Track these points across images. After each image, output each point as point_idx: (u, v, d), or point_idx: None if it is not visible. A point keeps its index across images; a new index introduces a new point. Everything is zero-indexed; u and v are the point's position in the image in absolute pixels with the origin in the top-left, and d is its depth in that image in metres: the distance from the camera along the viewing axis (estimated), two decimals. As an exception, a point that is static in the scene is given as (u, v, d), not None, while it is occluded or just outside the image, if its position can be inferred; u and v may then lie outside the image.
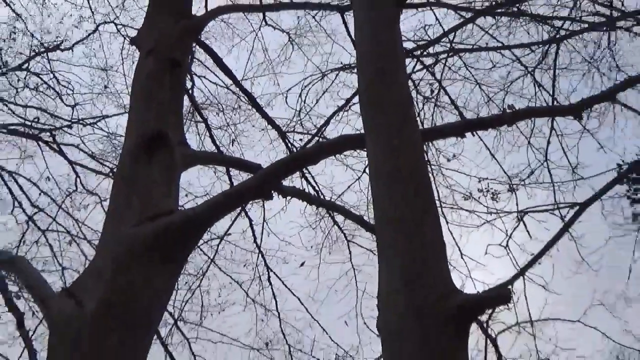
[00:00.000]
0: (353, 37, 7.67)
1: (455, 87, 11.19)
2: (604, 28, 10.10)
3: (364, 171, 10.48)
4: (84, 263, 10.64)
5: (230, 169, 9.72)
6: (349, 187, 10.76)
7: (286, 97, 11.45)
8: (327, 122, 10.83)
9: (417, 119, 5.56)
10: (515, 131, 10.40)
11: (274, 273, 10.54)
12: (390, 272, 3.63)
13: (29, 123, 11.78)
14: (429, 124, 10.45)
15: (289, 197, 7.17)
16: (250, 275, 10.67)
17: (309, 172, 10.16)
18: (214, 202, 5.16)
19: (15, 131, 11.63)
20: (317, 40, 11.76)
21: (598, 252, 9.73)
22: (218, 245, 10.61)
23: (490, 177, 10.56)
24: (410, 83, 9.10)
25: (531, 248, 9.44)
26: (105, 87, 12.66)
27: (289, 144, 10.62)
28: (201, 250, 10.52)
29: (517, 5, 10.30)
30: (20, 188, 11.45)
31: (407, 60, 9.41)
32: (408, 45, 10.32)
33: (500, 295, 3.51)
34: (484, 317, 8.35)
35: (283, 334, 10.49)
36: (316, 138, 10.65)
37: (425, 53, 10.71)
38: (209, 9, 8.26)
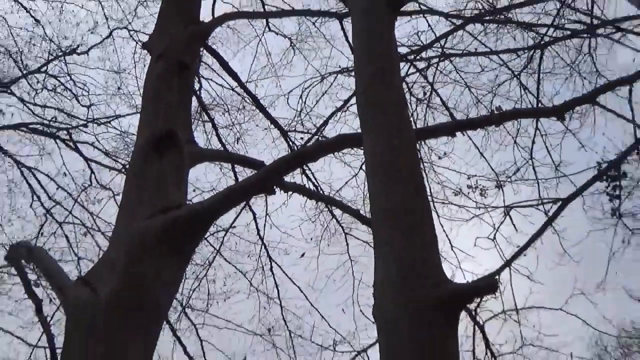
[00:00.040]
0: (351, 42, 7.67)
1: (446, 90, 11.19)
2: (585, 35, 10.10)
3: (361, 168, 10.47)
4: (98, 253, 10.64)
5: (235, 165, 9.71)
6: (346, 183, 10.77)
7: (288, 99, 11.44)
8: (326, 122, 10.83)
9: (411, 119, 5.55)
10: (502, 131, 10.41)
11: (276, 263, 10.56)
12: (386, 263, 3.63)
13: (47, 122, 11.79)
14: (422, 124, 10.45)
15: (290, 192, 7.17)
16: (254, 266, 10.69)
17: (309, 169, 10.16)
18: (220, 197, 5.16)
19: (34, 130, 11.65)
20: (317, 45, 11.76)
21: (579, 245, 9.74)
22: (223, 237, 10.62)
23: (479, 174, 10.57)
24: (404, 85, 9.09)
25: (517, 241, 9.46)
26: (119, 88, 12.67)
27: (290, 143, 10.62)
28: (208, 241, 10.53)
29: (504, 13, 10.29)
30: (39, 183, 11.48)
31: (401, 64, 9.39)
32: (402, 50, 10.31)
33: (488, 284, 3.52)
34: (472, 305, 8.35)
35: (284, 320, 10.50)
36: (316, 137, 10.64)
37: (418, 57, 10.70)
38: (215, 16, 8.25)
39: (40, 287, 8.34)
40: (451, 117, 10.41)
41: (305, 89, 11.25)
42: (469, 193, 10.54)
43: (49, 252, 5.84)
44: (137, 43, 12.16)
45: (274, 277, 10.56)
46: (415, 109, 10.75)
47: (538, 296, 9.51)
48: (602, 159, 9.18)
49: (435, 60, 10.70)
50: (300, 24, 11.72)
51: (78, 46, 12.33)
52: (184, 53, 6.49)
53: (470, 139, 10.27)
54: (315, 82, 11.28)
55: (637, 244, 9.63)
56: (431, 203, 7.41)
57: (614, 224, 9.40)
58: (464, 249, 9.95)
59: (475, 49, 10.70)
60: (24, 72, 11.95)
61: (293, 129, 10.99)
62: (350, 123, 10.83)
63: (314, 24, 11.49)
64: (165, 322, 7.32)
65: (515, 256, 9.15)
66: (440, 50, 10.63)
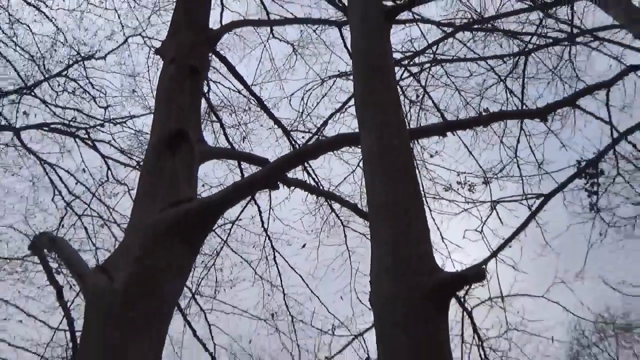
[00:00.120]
0: (349, 48, 7.65)
1: (437, 93, 11.20)
2: (566, 43, 10.10)
3: (358, 165, 10.48)
4: (114, 244, 10.64)
5: (242, 162, 9.70)
6: (344, 179, 10.77)
7: (290, 100, 11.44)
8: (325, 123, 10.82)
9: (405, 119, 5.54)
10: (490, 131, 10.42)
11: (279, 253, 10.55)
12: (382, 253, 3.62)
13: (67, 122, 11.77)
14: (415, 125, 10.44)
15: (292, 188, 7.16)
16: (258, 255, 10.68)
17: (310, 166, 10.15)
18: (228, 191, 5.14)
19: (55, 129, 11.63)
20: (318, 51, 11.74)
21: (560, 237, 9.77)
22: (230, 229, 10.60)
23: (468, 171, 10.57)
24: (398, 88, 9.09)
25: (502, 233, 9.47)
26: (133, 91, 12.65)
27: (293, 141, 10.61)
28: (216, 233, 10.51)
29: (491, 22, 10.28)
30: (60, 178, 11.46)
31: (396, 69, 9.38)
32: (397, 55, 10.31)
33: (476, 273, 3.51)
34: (461, 293, 8.36)
35: (287, 306, 10.49)
36: (316, 136, 10.64)
37: (411, 63, 10.70)
38: (223, 24, 8.23)
39: (61, 274, 8.33)
40: (442, 118, 10.42)
41: (307, 91, 11.28)
42: (458, 189, 10.56)
43: (69, 242, 5.83)
44: (150, 49, 12.15)
45: (277, 266, 10.56)
46: (409, 111, 10.76)
47: (522, 284, 9.52)
48: (581, 157, 9.18)
49: (428, 65, 10.71)
50: (302, 31, 11.73)
51: (96, 52, 12.32)
52: (195, 58, 6.47)
53: (460, 138, 10.30)
54: (316, 85, 11.31)
55: (613, 237, 9.65)
56: (424, 198, 7.42)
57: (592, 218, 9.42)
58: (454, 240, 9.97)
59: (465, 55, 10.71)
60: (46, 76, 11.93)
61: (295, 128, 11.00)
62: (348, 123, 10.87)
63: (314, 31, 11.49)
64: (176, 308, 7.32)
65: (501, 247, 9.17)
66: (432, 56, 10.63)
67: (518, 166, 10.21)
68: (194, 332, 9.79)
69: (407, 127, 4.67)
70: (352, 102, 9.99)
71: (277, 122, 10.47)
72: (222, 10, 10.93)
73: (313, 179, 10.19)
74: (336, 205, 10.16)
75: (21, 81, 11.68)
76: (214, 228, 9.11)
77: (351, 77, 8.19)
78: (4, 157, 11.57)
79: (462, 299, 8.58)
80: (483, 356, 8.96)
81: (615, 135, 8.54)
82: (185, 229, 4.81)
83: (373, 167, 4.12)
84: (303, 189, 7.41)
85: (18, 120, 11.32)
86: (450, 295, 3.46)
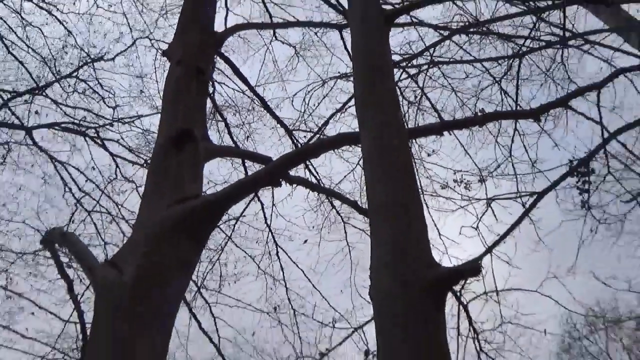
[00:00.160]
0: (349, 50, 7.63)
1: (435, 94, 11.21)
2: (558, 46, 10.09)
3: (358, 163, 10.47)
4: (123, 239, 10.63)
5: (245, 160, 9.68)
6: (345, 176, 10.76)
7: (292, 101, 11.43)
8: (326, 122, 10.79)
9: (403, 119, 5.53)
10: (485, 131, 10.40)
11: (282, 249, 10.53)
12: (382, 248, 3.62)
13: (78, 121, 11.75)
14: (413, 124, 10.43)
15: (294, 185, 7.17)
16: (262, 251, 10.66)
17: (312, 164, 10.12)
18: (232, 189, 5.14)
19: (66, 128, 11.60)
20: (319, 53, 11.75)
21: (552, 234, 9.75)
22: (234, 225, 10.58)
23: (464, 170, 10.56)
24: (397, 90, 9.08)
25: (497, 229, 9.45)
26: (141, 91, 12.63)
27: (295, 140, 10.60)
28: (220, 229, 10.49)
29: (486, 25, 10.27)
30: (70, 176, 11.44)
31: (395, 71, 9.36)
32: (395, 57, 10.28)
33: (472, 268, 3.51)
34: (457, 287, 8.35)
35: (289, 300, 10.48)
36: (317, 135, 10.62)
37: (409, 65, 10.68)
38: (228, 27, 8.20)
39: (71, 268, 8.33)
40: (439, 118, 10.40)
41: (308, 92, 11.25)
42: (455, 187, 10.55)
43: (79, 237, 5.83)
44: (157, 51, 12.14)
45: (279, 261, 10.55)
46: (407, 111, 10.74)
47: (516, 279, 9.51)
48: (573, 156, 9.17)
49: (425, 67, 10.68)
50: (304, 34, 11.73)
51: (105, 54, 12.31)
52: (200, 59, 6.46)
53: (457, 138, 10.30)
54: (317, 86, 11.29)
55: (604, 233, 9.65)
56: (421, 195, 7.41)
57: (584, 215, 9.40)
58: (451, 236, 9.96)
59: (461, 58, 10.70)
60: (57, 77, 11.92)
61: (297, 128, 10.98)
62: (348, 123, 10.85)
63: (316, 34, 11.49)
64: (182, 301, 7.32)
65: (495, 243, 9.16)
66: (429, 58, 10.61)
67: (512, 165, 10.20)
68: (200, 324, 9.79)
69: (406, 127, 4.66)
70: (352, 102, 9.97)
71: (280, 121, 10.47)
72: (227, 13, 10.95)
73: (314, 176, 10.18)
74: (337, 202, 10.14)
75: (33, 82, 11.67)
76: (218, 224, 9.11)
77: (351, 79, 8.17)
78: (16, 155, 11.56)
79: (458, 293, 8.56)
80: (478, 348, 8.96)
81: (606, 135, 8.52)
82: (192, 226, 4.80)
83: (373, 166, 4.11)
84: (305, 186, 7.41)
85: (30, 120, 11.32)
86: (448, 290, 3.45)
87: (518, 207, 9.37)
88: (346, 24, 9.13)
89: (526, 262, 9.89)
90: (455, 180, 10.54)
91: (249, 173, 9.32)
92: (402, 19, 8.75)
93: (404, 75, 10.68)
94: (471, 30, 10.35)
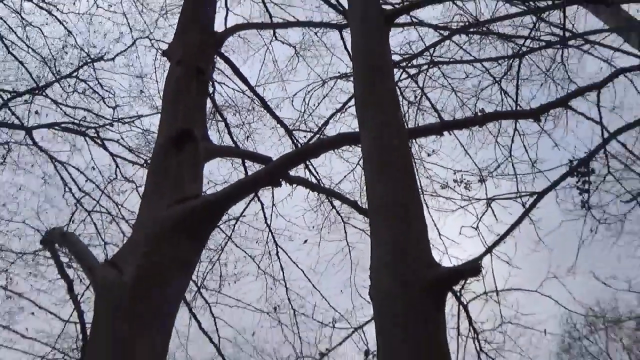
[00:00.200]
0: (349, 50, 7.63)
1: (435, 94, 11.21)
2: (558, 46, 10.09)
3: (358, 163, 10.46)
4: (123, 239, 10.63)
5: (245, 160, 9.68)
6: (345, 176, 10.76)
7: (292, 101, 11.43)
8: (326, 122, 10.79)
9: (403, 119, 5.53)
10: (485, 131, 10.40)
11: (282, 249, 10.53)
12: (382, 248, 3.61)
13: (78, 121, 11.75)
14: (413, 124, 10.43)
15: (294, 185, 7.16)
16: (262, 251, 10.65)
17: (312, 164, 10.12)
18: (232, 188, 5.13)
19: (66, 128, 11.60)
20: (319, 53, 11.75)
21: (552, 234, 9.76)
22: (234, 225, 10.58)
23: (464, 170, 10.56)
24: (397, 90, 9.08)
25: (497, 229, 9.45)
26: (141, 91, 12.64)
27: (295, 140, 10.60)
28: (220, 229, 10.49)
29: (486, 25, 10.27)
30: (70, 176, 11.44)
31: (395, 71, 9.36)
32: (395, 58, 10.28)
33: (472, 268, 3.51)
34: (457, 287, 8.35)
35: (289, 300, 10.47)
36: (317, 135, 10.61)
37: (409, 65, 10.68)
38: (228, 27, 8.20)
39: (71, 268, 8.33)
40: (439, 118, 10.40)
41: (308, 92, 11.25)
42: (455, 187, 10.55)
43: (79, 237, 5.82)
44: (157, 51, 12.15)
45: (279, 261, 10.54)
46: (407, 111, 10.74)
47: (516, 279, 9.51)
48: (573, 156, 9.17)
49: (425, 67, 10.68)
50: (304, 34, 11.74)
51: (105, 54, 12.31)
52: (200, 59, 6.46)
53: (457, 138, 10.30)
54: (317, 86, 11.29)
55: (604, 233, 9.65)
56: (421, 195, 7.41)
57: (584, 215, 9.40)
58: (451, 236, 9.96)
59: (461, 58, 10.70)
60: (57, 77, 11.92)
61: (297, 128, 10.98)
62: (348, 123, 10.85)
63: (316, 34, 11.50)
64: (182, 301, 7.32)
65: (495, 243, 9.16)
66: (429, 58, 10.61)
67: (512, 165, 10.20)
68: (200, 324, 9.78)
69: (406, 127, 4.66)
70: (352, 102, 9.97)
71: (280, 121, 10.47)
72: (227, 13, 10.95)
73: (314, 176, 10.18)
74: (337, 202, 10.14)
75: (33, 82, 11.68)
76: (218, 224, 9.10)
77: (351, 79, 8.17)
78: (16, 155, 11.56)
79: (458, 293, 8.56)
80: (478, 348, 8.96)
81: (606, 135, 8.52)
82: (192, 226, 4.80)
83: (373, 166, 4.11)
84: (305, 186, 7.41)
85: (30, 120, 11.32)
86: (448, 290, 3.45)
87: (518, 207, 9.38)
88: (346, 24, 9.13)
89: (526, 262, 9.90)
90: (455, 180, 10.55)
91: (249, 173, 9.33)
92: (402, 19, 8.75)
93: (404, 75, 10.69)
94: (471, 30, 10.36)
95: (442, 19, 10.75)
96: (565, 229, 9.66)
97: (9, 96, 11.14)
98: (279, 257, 10.52)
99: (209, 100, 8.36)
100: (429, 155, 10.68)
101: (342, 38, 9.90)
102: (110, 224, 11.30)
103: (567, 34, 9.81)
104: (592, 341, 21.30)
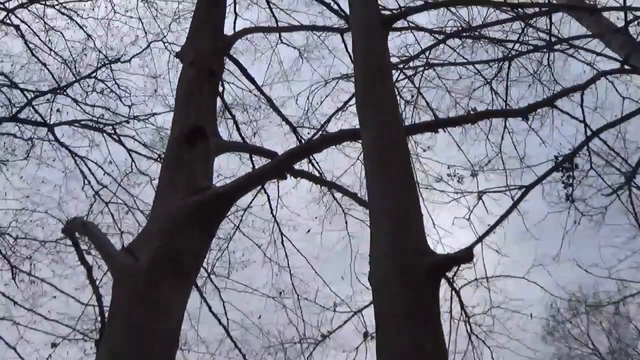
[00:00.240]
0: (350, 52, 7.62)
1: (430, 94, 11.16)
2: (545, 50, 10.08)
3: (358, 158, 10.43)
4: (138, 229, 10.62)
5: (253, 155, 9.66)
6: (346, 170, 10.72)
7: (297, 100, 11.40)
8: (329, 120, 10.77)
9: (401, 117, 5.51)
10: (477, 128, 10.35)
11: (286, 238, 10.50)
12: (380, 237, 3.61)
13: (96, 119, 11.73)
14: (410, 122, 10.40)
15: (298, 178, 7.12)
16: (268, 239, 10.64)
17: (314, 159, 10.10)
18: (240, 181, 5.14)
19: (85, 125, 11.59)
20: (322, 55, 11.71)
21: (539, 225, 9.75)
22: (242, 215, 10.56)
23: (457, 165, 10.55)
24: (395, 90, 9.06)
25: (488, 220, 9.43)
26: (155, 91, 12.61)
27: (299, 136, 10.60)
28: (229, 219, 10.48)
29: (478, 30, 10.25)
30: (89, 169, 11.41)
31: (392, 72, 9.35)
32: (393, 60, 10.23)
33: (466, 254, 3.50)
34: (450, 274, 8.34)
35: (293, 286, 10.45)
36: (320, 132, 10.61)
37: (406, 66, 10.67)
38: (237, 31, 8.18)
39: (90, 255, 8.34)
40: (434, 116, 10.40)
41: (312, 92, 11.23)
42: (448, 180, 10.51)
43: (98, 226, 5.83)
44: (170, 53, 12.13)
45: (284, 249, 10.51)
46: (404, 110, 10.73)
47: (505, 267, 9.50)
48: (558, 153, 9.14)
49: (421, 68, 10.67)
50: (308, 37, 11.69)
51: (122, 56, 12.29)
52: (211, 61, 6.44)
53: (450, 135, 10.26)
54: (320, 86, 11.25)
55: (586, 225, 9.65)
56: (417, 188, 7.38)
57: (568, 207, 9.39)
58: (444, 227, 9.95)
59: (455, 60, 10.68)
60: (77, 77, 11.92)
61: (301, 125, 10.97)
62: (349, 120, 10.81)
63: (319, 37, 11.45)
64: (193, 286, 7.32)
65: (486, 233, 9.13)
66: (425, 60, 10.59)
67: (502, 160, 10.18)
68: (210, 307, 9.79)
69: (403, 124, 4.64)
70: (353, 101, 9.95)
71: (285, 119, 10.45)
72: (236, 18, 10.89)
73: (317, 170, 10.16)
74: (338, 194, 10.12)
75: (55, 82, 11.67)
76: (227, 214, 9.11)
77: (352, 79, 8.15)
78: (39, 151, 11.58)
79: (451, 280, 8.56)
80: (469, 331, 8.98)
81: (589, 133, 8.51)
82: (203, 216, 4.81)
83: (373, 165, 4.09)
84: (308, 179, 7.40)
85: (52, 117, 11.31)
86: (443, 275, 3.46)
87: (507, 200, 9.36)
88: (347, 28, 9.11)
89: (514, 251, 9.90)
90: (448, 175, 10.52)
91: (256, 167, 9.31)
92: (400, 23, 8.69)
93: (402, 76, 10.68)
94: (464, 34, 10.34)
95: (437, 24, 10.76)
96: (551, 220, 9.66)
97: (32, 95, 11.11)
98: (284, 246, 10.51)
99: (218, 99, 8.34)
100: (424, 150, 10.65)
101: (343, 41, 9.88)
102: (126, 215, 11.29)
103: (553, 39, 9.80)
104: (574, 324, 21.34)
